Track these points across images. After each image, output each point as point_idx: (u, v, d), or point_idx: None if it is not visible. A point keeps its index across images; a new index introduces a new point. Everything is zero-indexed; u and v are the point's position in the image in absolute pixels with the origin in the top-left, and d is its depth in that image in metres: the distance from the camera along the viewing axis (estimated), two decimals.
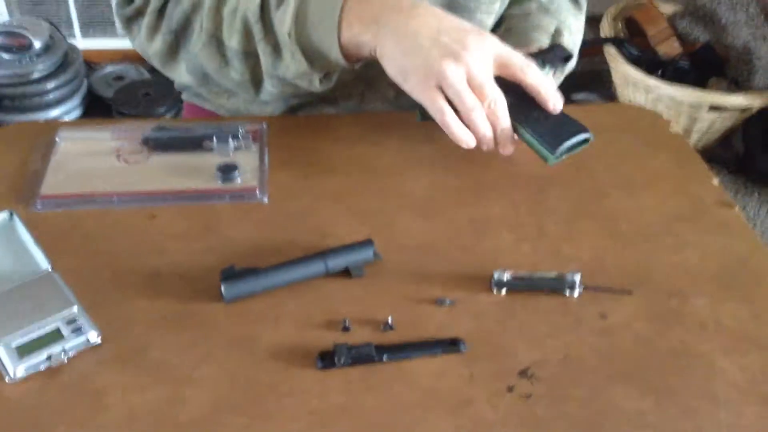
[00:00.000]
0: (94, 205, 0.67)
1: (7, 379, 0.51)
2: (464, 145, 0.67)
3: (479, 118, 0.65)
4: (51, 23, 1.99)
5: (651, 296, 0.61)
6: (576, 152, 0.69)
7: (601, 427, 0.51)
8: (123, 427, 0.49)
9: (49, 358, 0.52)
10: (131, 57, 2.23)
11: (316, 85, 0.72)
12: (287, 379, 0.53)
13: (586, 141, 0.68)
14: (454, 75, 0.64)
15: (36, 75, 1.89)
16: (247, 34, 0.70)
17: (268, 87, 0.74)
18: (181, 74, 0.77)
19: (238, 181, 0.70)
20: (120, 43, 2.22)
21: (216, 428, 0.50)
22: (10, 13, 2.14)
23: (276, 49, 0.70)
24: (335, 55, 0.68)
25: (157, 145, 0.73)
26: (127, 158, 0.72)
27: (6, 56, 1.89)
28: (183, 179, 0.70)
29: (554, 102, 0.68)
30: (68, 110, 1.97)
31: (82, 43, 2.18)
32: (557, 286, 0.60)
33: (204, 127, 0.75)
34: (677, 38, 1.98)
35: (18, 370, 0.51)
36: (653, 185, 0.72)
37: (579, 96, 2.04)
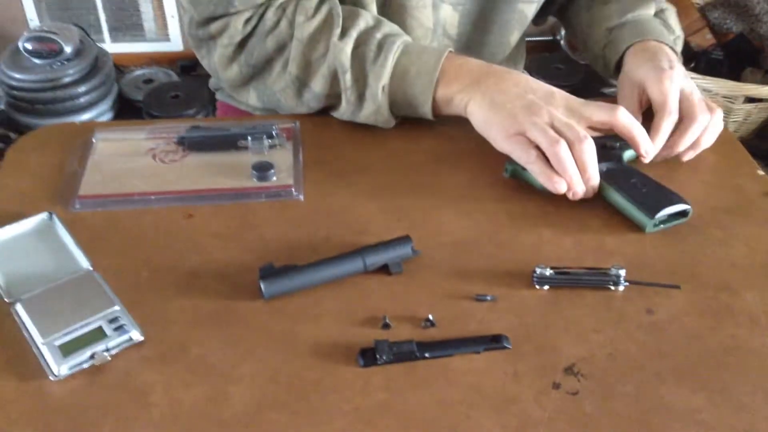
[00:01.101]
0: (132, 204, 0.67)
1: (51, 378, 0.52)
2: (553, 189, 0.65)
3: (564, 153, 0.63)
4: (80, 28, 2.01)
5: (699, 291, 0.59)
6: (673, 225, 0.65)
7: (652, 425, 0.49)
8: (168, 425, 0.49)
9: (92, 356, 0.52)
10: (159, 60, 2.25)
11: (388, 126, 0.76)
12: (329, 376, 0.53)
13: (685, 214, 0.65)
14: (537, 120, 0.65)
15: (67, 79, 1.91)
16: (333, 80, 0.73)
17: (336, 116, 0.77)
18: (249, 98, 0.79)
19: (274, 179, 0.70)
20: (148, 46, 2.25)
21: (260, 425, 0.49)
22: (41, 18, 2.18)
23: (361, 98, 0.73)
24: (425, 109, 0.72)
25: (192, 144, 0.73)
26: (162, 158, 0.72)
27: (37, 61, 1.92)
28: (219, 178, 0.70)
29: (646, 147, 0.67)
30: (99, 114, 2.00)
31: (111, 47, 2.21)
32: (601, 281, 0.59)
33: (238, 126, 0.75)
34: (710, 29, 1.94)
35: (62, 368, 0.52)
36: (697, 177, 0.71)
37: (609, 90, 2.01)
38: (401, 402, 0.51)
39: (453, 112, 0.73)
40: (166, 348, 0.54)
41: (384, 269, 0.61)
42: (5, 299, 0.57)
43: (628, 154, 0.70)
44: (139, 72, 2.19)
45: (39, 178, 0.70)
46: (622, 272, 0.59)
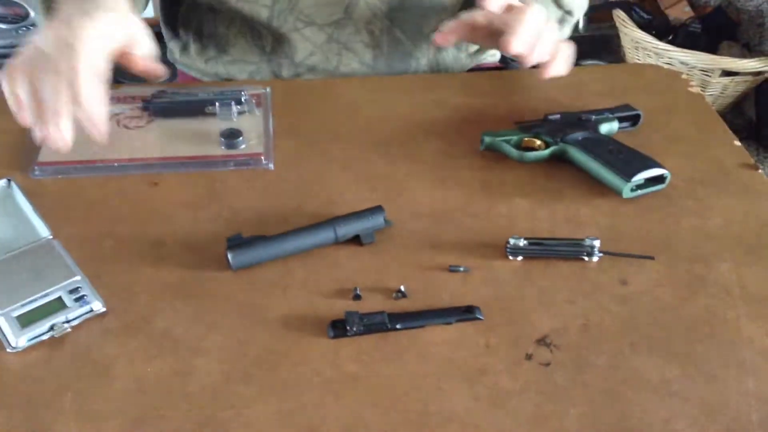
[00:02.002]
0: (95, 171, 0.65)
1: (8, 350, 0.50)
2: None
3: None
4: None
5: (673, 262, 0.59)
6: (651, 191, 0.64)
7: (624, 396, 0.49)
8: (131, 398, 0.48)
9: (52, 328, 0.51)
10: None
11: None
12: (298, 348, 0.52)
13: (662, 180, 0.64)
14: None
15: None
16: None
17: None
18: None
19: (243, 147, 0.68)
20: None
21: (226, 398, 0.48)
22: None
23: None
24: None
25: (158, 110, 0.71)
26: (127, 124, 0.70)
27: (2, 26, 1.85)
28: (186, 145, 0.68)
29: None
30: None
31: None
32: (575, 252, 0.58)
33: (206, 91, 0.73)
34: (688, 2, 1.94)
35: (20, 340, 0.50)
36: (673, 147, 0.70)
37: (587, 62, 2.00)
38: (372, 374, 0.50)
39: None
40: (129, 320, 0.53)
41: (356, 240, 0.60)
42: None
43: (605, 127, 0.69)
44: None
45: None
46: (597, 243, 0.58)
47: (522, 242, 0.58)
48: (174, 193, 0.64)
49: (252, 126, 0.70)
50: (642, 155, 0.65)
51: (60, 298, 0.52)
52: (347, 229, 0.59)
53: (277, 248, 0.58)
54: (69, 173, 0.64)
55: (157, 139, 0.68)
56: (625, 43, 1.93)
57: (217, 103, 0.71)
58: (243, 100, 0.72)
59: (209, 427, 0.47)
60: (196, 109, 0.71)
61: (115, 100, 0.72)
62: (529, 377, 0.50)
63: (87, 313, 0.52)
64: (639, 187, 0.64)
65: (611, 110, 0.71)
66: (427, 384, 0.50)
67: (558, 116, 0.69)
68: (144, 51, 0.62)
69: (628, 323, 0.54)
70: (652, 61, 1.82)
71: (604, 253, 0.58)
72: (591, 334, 0.53)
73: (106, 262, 0.57)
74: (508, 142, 0.67)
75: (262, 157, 0.67)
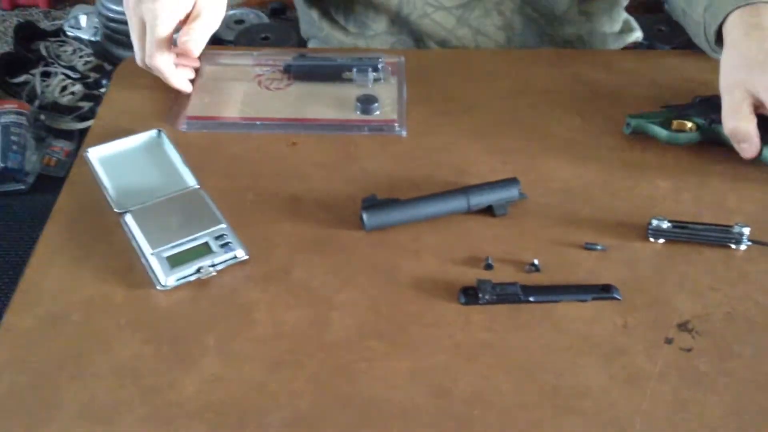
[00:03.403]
0: (238, 128, 0.67)
1: (158, 288, 0.53)
2: None
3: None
4: None
5: None
6: None
7: None
8: (270, 342, 0.50)
9: (198, 270, 0.53)
10: (251, 1, 2.25)
11: None
12: (430, 311, 0.52)
13: None
14: None
15: None
16: None
17: None
18: None
19: (377, 113, 0.69)
20: None
21: (360, 351, 0.49)
22: None
23: None
24: None
25: (298, 73, 0.73)
26: (268, 85, 0.72)
27: None
28: (323, 108, 0.69)
29: None
30: None
31: None
32: (722, 239, 0.55)
33: (344, 57, 0.74)
34: None
35: (169, 279, 0.53)
36: None
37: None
38: (504, 343, 0.50)
39: None
40: (269, 269, 0.55)
41: (487, 210, 0.59)
42: (115, 209, 0.58)
43: None
44: (230, 12, 2.21)
45: (147, 97, 0.71)
46: (746, 231, 0.55)
47: (665, 224, 0.56)
48: (311, 153, 0.65)
49: (386, 93, 0.71)
50: None
51: (207, 243, 0.55)
52: (481, 199, 0.59)
53: (411, 212, 0.58)
54: (214, 128, 0.67)
55: (296, 101, 0.70)
56: None
57: (354, 69, 0.72)
58: (379, 67, 0.72)
59: (343, 376, 0.48)
60: (334, 73, 0.72)
61: (258, 61, 0.74)
62: (669, 361, 0.48)
63: (231, 259, 0.54)
64: None
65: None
66: (560, 358, 0.49)
67: (709, 98, 0.66)
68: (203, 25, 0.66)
69: None
70: None
71: (754, 242, 0.55)
72: (736, 324, 0.51)
73: (246, 214, 0.59)
74: (655, 123, 0.65)
75: (396, 124, 0.67)
